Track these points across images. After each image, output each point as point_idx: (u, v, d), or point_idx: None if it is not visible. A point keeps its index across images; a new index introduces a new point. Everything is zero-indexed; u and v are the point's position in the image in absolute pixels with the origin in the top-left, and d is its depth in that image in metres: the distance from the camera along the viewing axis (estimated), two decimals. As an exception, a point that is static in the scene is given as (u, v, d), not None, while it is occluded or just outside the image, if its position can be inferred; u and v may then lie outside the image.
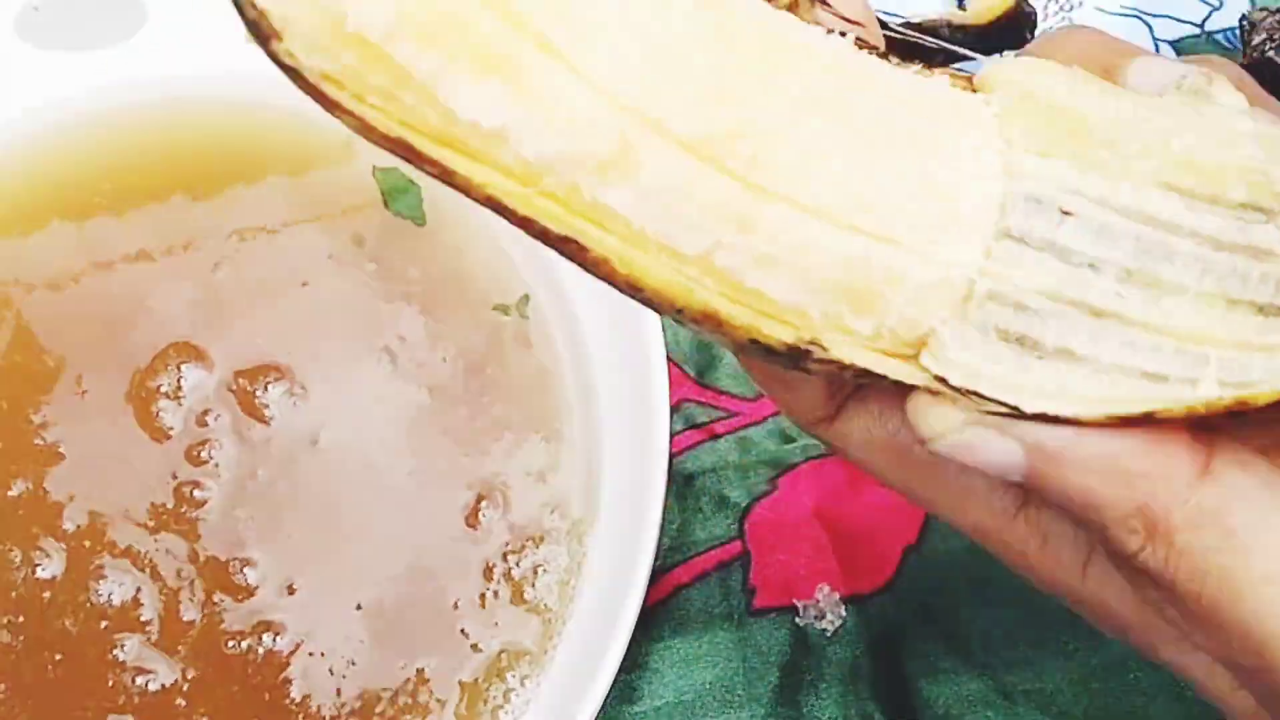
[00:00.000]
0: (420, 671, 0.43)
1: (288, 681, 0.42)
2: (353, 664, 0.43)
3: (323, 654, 0.43)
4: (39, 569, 0.44)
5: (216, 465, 0.45)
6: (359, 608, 0.43)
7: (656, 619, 0.45)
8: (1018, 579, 0.30)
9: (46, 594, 0.43)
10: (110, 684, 0.42)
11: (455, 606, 0.43)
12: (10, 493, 0.44)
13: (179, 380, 0.46)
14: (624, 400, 0.44)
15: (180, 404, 0.45)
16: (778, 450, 0.47)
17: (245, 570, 0.43)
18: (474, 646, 0.43)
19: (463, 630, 0.43)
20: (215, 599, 0.43)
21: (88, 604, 0.43)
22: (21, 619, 0.43)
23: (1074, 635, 0.45)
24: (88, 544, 0.44)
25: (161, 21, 0.49)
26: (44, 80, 0.49)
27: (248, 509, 0.44)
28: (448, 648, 0.43)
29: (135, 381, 0.46)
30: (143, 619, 0.43)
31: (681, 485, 0.46)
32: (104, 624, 0.43)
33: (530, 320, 0.46)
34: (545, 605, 0.43)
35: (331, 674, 0.42)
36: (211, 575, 0.43)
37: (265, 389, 0.45)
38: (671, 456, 0.44)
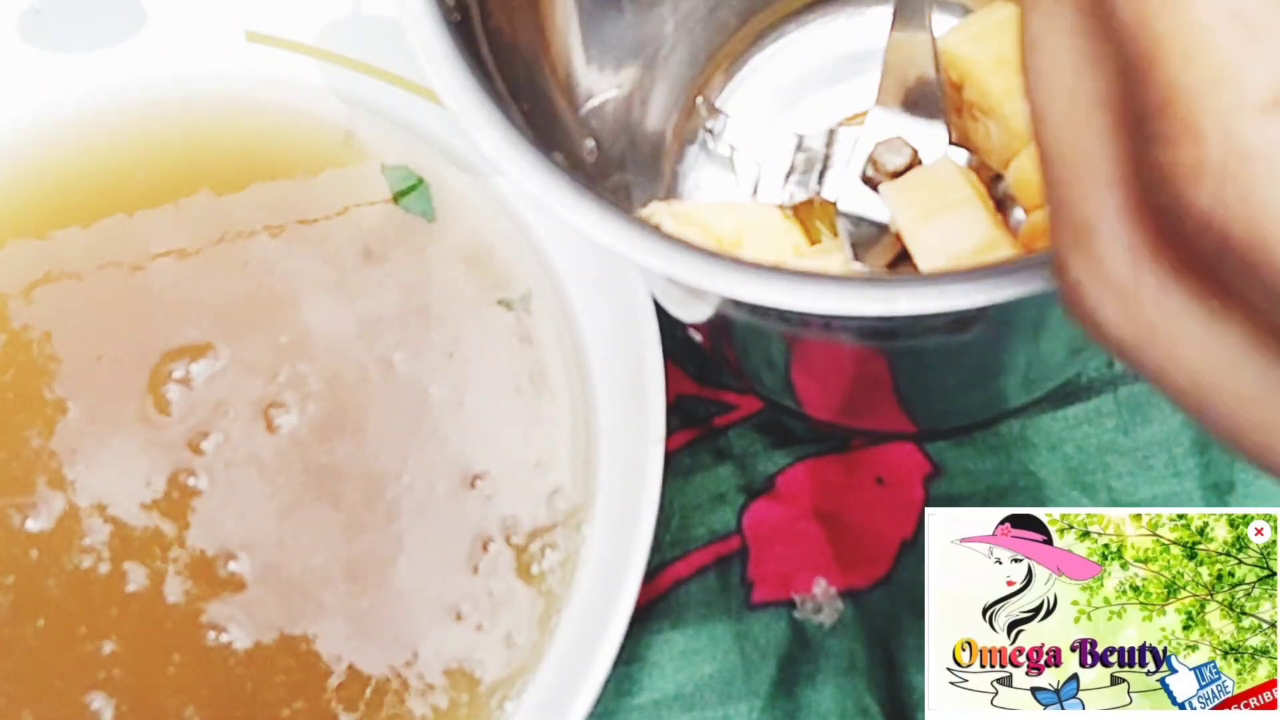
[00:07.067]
0: (417, 658, 0.43)
1: (272, 676, 0.43)
2: (342, 658, 0.43)
3: (312, 650, 0.43)
4: (28, 521, 0.44)
5: (217, 458, 0.45)
6: (351, 606, 0.43)
7: (656, 613, 0.46)
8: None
9: (34, 552, 0.44)
10: (89, 657, 0.43)
11: (454, 601, 0.44)
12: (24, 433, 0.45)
13: (188, 372, 0.46)
14: (621, 393, 0.44)
15: (190, 389, 0.46)
16: (776, 447, 0.47)
17: (230, 564, 0.44)
18: (478, 629, 0.43)
19: (460, 615, 0.43)
20: (198, 589, 0.43)
21: (70, 567, 0.44)
22: (11, 579, 0.44)
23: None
24: (80, 502, 0.44)
25: (161, 21, 0.49)
26: (48, 82, 0.49)
27: (239, 508, 0.44)
28: (447, 635, 0.43)
29: (150, 368, 0.46)
30: (128, 590, 0.43)
31: (680, 481, 0.47)
32: (85, 592, 0.43)
33: (532, 316, 0.47)
34: (545, 589, 0.43)
35: (322, 668, 0.43)
36: (197, 566, 0.44)
37: (275, 380, 0.46)
38: (670, 453, 0.44)
